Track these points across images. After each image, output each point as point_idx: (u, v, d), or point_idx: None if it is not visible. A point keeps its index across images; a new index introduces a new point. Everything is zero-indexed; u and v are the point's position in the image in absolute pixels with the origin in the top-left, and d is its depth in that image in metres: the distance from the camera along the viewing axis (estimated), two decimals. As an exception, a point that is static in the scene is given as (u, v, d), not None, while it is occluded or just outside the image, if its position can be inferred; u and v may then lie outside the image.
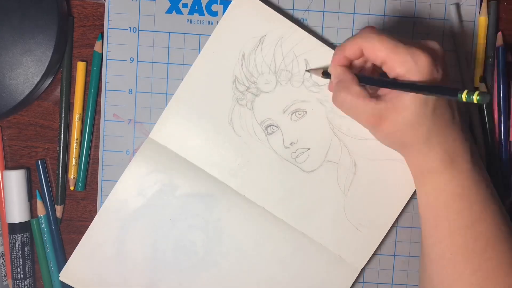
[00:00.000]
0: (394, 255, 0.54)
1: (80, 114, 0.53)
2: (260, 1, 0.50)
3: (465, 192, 0.44)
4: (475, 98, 0.36)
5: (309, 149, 0.51)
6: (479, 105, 0.52)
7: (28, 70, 0.50)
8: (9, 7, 0.49)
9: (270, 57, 0.51)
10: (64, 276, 0.52)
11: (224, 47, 0.51)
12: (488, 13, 0.52)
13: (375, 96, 0.43)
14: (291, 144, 0.51)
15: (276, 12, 0.50)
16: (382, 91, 0.44)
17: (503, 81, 0.52)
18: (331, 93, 0.47)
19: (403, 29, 0.52)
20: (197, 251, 0.52)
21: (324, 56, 0.50)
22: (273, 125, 0.51)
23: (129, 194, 0.52)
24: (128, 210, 0.52)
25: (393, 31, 0.52)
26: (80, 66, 0.52)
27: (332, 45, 0.52)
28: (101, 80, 0.53)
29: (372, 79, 0.44)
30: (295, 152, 0.51)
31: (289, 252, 0.52)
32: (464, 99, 0.36)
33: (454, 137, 0.43)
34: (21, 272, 0.53)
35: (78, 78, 0.53)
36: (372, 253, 0.52)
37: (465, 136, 0.44)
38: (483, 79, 0.52)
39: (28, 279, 0.53)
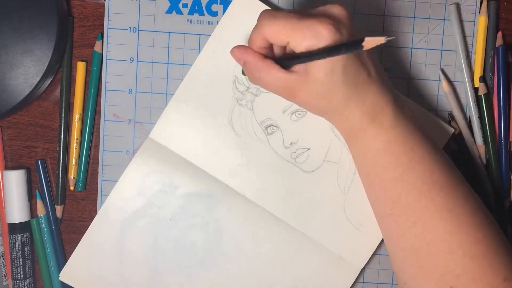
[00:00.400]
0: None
1: (80, 114, 0.53)
2: (260, 1, 0.50)
3: (390, 146, 0.44)
4: (381, 38, 0.35)
5: (309, 149, 0.51)
6: (479, 104, 0.52)
7: (28, 70, 0.50)
8: (9, 7, 0.49)
9: None
10: (64, 276, 0.52)
11: (224, 47, 0.50)
12: (488, 13, 0.52)
13: (286, 69, 0.43)
14: (291, 144, 0.51)
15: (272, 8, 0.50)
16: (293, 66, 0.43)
17: (503, 81, 0.51)
18: None
19: (403, 29, 0.52)
20: (197, 251, 0.52)
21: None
22: (273, 125, 0.51)
23: (129, 194, 0.52)
24: (128, 210, 0.52)
25: (393, 31, 0.52)
26: (80, 66, 0.52)
27: None
28: (101, 80, 0.52)
29: (279, 59, 0.43)
30: (295, 152, 0.51)
31: (289, 252, 0.52)
32: (367, 46, 0.36)
33: (373, 95, 0.43)
34: (21, 272, 0.53)
35: (78, 78, 0.52)
36: (372, 252, 0.52)
37: (385, 90, 0.44)
38: (482, 79, 0.52)
39: (28, 279, 0.53)
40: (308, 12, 0.42)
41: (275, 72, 0.43)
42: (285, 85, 0.43)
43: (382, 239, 0.52)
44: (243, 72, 0.49)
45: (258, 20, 0.42)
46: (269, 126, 0.51)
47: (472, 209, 0.43)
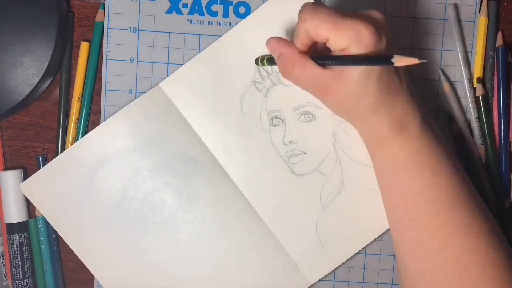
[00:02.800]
0: (394, 255, 0.53)
1: (80, 94, 0.52)
2: None
3: (415, 158, 0.43)
4: (413, 59, 0.35)
5: (305, 153, 0.51)
6: (477, 104, 0.52)
7: (28, 70, 0.50)
8: (9, 7, 0.49)
9: None
10: (25, 187, 0.51)
11: (262, 26, 0.50)
12: (488, 13, 0.52)
13: (321, 65, 0.42)
14: (290, 142, 0.51)
15: None
16: None
17: (503, 82, 0.51)
18: None
19: (403, 29, 0.52)
20: (163, 211, 0.52)
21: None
22: (280, 118, 0.51)
23: (119, 131, 0.51)
24: (112, 146, 0.51)
25: (393, 31, 0.52)
26: (84, 46, 0.52)
27: None
28: (101, 80, 0.52)
29: (320, 58, 0.43)
30: (291, 151, 0.51)
31: (250, 244, 0.52)
32: (398, 65, 0.36)
33: (402, 104, 0.43)
34: (20, 272, 0.53)
35: (80, 58, 0.52)
36: (328, 272, 0.52)
37: (413, 101, 0.44)
38: (480, 80, 0.52)
39: (27, 279, 0.53)
40: (348, 13, 0.41)
41: (309, 67, 0.42)
42: (318, 81, 0.42)
43: (341, 264, 0.52)
44: (261, 61, 0.49)
45: (300, 12, 0.42)
46: (276, 118, 0.51)
47: (489, 229, 0.43)
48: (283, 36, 0.50)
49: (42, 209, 0.51)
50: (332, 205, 0.51)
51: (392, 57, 0.36)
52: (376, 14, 0.42)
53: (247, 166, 0.51)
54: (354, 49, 0.40)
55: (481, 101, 0.52)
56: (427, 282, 0.44)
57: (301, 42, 0.43)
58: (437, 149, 0.44)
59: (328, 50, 0.43)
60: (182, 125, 0.51)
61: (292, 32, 0.50)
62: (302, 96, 0.50)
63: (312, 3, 0.43)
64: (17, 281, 0.53)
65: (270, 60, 0.47)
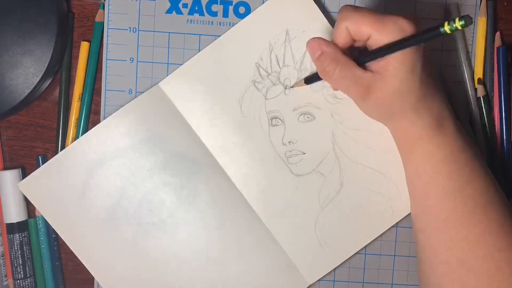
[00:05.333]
0: (394, 255, 0.54)
1: (80, 94, 0.52)
2: None
3: (454, 156, 0.44)
4: (458, 25, 0.35)
5: (304, 153, 0.51)
6: (479, 105, 0.52)
7: (28, 70, 0.50)
8: (9, 7, 0.49)
9: (300, 54, 0.51)
10: (24, 186, 0.51)
11: (262, 25, 0.50)
12: (487, 13, 0.52)
13: (360, 67, 0.43)
14: (289, 142, 0.51)
15: (321, 12, 0.50)
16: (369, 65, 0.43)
17: (504, 82, 0.51)
18: (344, 108, 0.49)
19: (403, 29, 0.52)
20: (162, 210, 0.52)
21: None
22: (279, 118, 0.51)
23: (118, 131, 0.51)
24: (111, 146, 0.51)
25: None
26: (84, 46, 0.52)
27: None
28: (101, 80, 0.52)
29: (363, 56, 0.43)
30: (290, 152, 0.51)
31: (249, 244, 0.52)
32: (448, 31, 0.36)
33: (439, 103, 0.44)
34: (21, 272, 0.53)
35: (80, 57, 0.52)
36: (326, 272, 0.52)
37: (446, 99, 0.45)
38: (480, 81, 0.52)
39: (29, 279, 0.53)
40: (387, 14, 0.42)
41: (351, 68, 0.42)
42: (361, 82, 0.42)
43: (340, 264, 0.52)
44: (305, 80, 0.49)
45: (341, 12, 0.42)
46: (275, 118, 0.51)
47: None
48: (284, 36, 0.50)
49: (40, 207, 0.51)
50: (331, 206, 0.51)
51: (440, 25, 0.36)
52: (411, 15, 0.42)
53: (246, 166, 0.51)
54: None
55: (482, 102, 0.52)
56: (456, 282, 0.44)
57: (341, 42, 0.43)
58: (470, 147, 0.45)
59: (365, 51, 0.43)
60: (181, 124, 0.51)
61: (291, 33, 0.50)
62: (301, 96, 0.51)
63: (351, 4, 0.43)
64: (18, 281, 0.53)
65: (309, 79, 0.48)
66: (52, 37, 0.49)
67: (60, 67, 0.52)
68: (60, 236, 0.52)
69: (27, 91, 0.50)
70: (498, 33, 0.52)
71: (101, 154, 0.51)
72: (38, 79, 0.50)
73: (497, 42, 0.52)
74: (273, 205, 0.51)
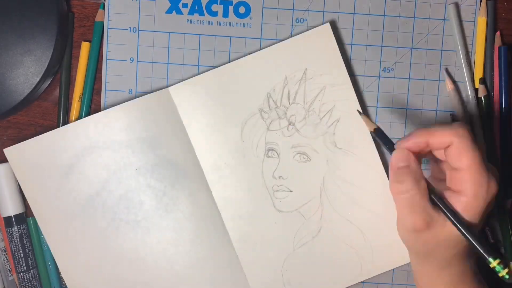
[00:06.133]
0: (394, 255, 0.54)
1: (80, 95, 0.52)
2: (335, 41, 0.50)
3: None
4: (503, 272, 0.39)
5: (291, 191, 0.51)
6: (479, 105, 0.52)
7: (28, 70, 0.50)
8: (9, 7, 0.49)
9: (312, 96, 0.51)
10: (10, 152, 0.50)
11: (284, 58, 0.51)
12: (487, 13, 0.52)
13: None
14: (279, 177, 0.51)
15: (342, 60, 0.50)
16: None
17: (505, 82, 0.51)
18: (342, 158, 0.49)
19: (403, 29, 0.52)
20: (139, 212, 0.51)
21: (356, 124, 0.50)
22: (276, 151, 0.51)
23: (117, 124, 0.51)
24: (105, 136, 0.51)
25: (393, 31, 0.52)
26: (84, 46, 0.52)
27: (368, 115, 0.52)
28: (101, 80, 0.52)
29: (441, 201, 0.42)
30: (278, 186, 0.51)
31: (215, 265, 0.52)
32: (492, 266, 0.39)
33: (465, 275, 0.45)
34: (24, 264, 0.53)
35: (81, 58, 0.52)
36: None
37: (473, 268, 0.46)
38: (482, 81, 0.52)
39: (32, 270, 0.53)
40: (485, 162, 0.42)
41: (426, 200, 0.42)
42: (424, 216, 0.42)
43: None
44: (375, 130, 0.46)
45: (456, 126, 0.42)
46: (272, 150, 0.51)
47: None
48: (301, 74, 0.51)
49: (20, 178, 0.51)
50: (303, 249, 0.52)
51: (493, 257, 0.39)
52: (465, 128, 0.42)
53: (231, 189, 0.51)
54: (474, 197, 0.40)
55: (483, 102, 0.52)
56: None
57: (431, 141, 0.42)
58: None
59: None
60: (180, 132, 0.51)
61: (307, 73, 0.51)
62: (303, 136, 0.51)
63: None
64: (21, 273, 0.53)
65: (380, 133, 0.46)
66: (52, 37, 0.49)
67: (60, 67, 0.52)
68: (32, 210, 0.51)
69: (27, 91, 0.50)
70: (498, 33, 0.52)
71: (94, 142, 0.51)
72: (38, 79, 0.50)
73: (497, 42, 0.52)
74: (248, 233, 0.51)
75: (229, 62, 0.52)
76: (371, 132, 0.46)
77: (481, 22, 0.52)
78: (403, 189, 0.42)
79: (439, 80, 0.52)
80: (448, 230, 0.42)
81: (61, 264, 0.52)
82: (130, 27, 0.52)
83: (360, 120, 0.49)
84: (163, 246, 0.51)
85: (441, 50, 0.52)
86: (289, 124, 0.51)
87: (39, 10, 0.49)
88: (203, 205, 0.51)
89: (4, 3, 0.49)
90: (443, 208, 0.42)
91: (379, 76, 0.52)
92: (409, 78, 0.52)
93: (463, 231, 0.41)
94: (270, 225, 0.51)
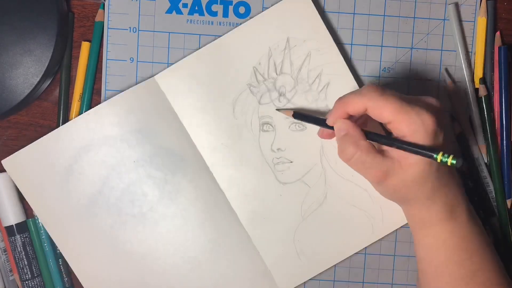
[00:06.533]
0: (394, 255, 0.54)
1: (80, 94, 0.52)
2: (313, 6, 0.50)
3: (465, 243, 0.45)
4: (449, 161, 0.39)
5: (291, 162, 0.51)
6: (479, 105, 0.52)
7: (28, 70, 0.50)
8: (9, 7, 0.49)
9: (298, 63, 0.51)
10: (8, 163, 0.51)
11: (264, 30, 0.50)
12: (487, 13, 0.52)
13: (380, 151, 0.43)
14: (278, 149, 0.51)
15: (323, 24, 0.50)
16: (385, 146, 0.44)
17: (505, 82, 0.51)
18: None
19: (403, 29, 0.52)
20: (143, 203, 0.51)
21: (346, 85, 0.51)
22: (270, 125, 0.51)
23: (109, 119, 0.51)
24: (100, 133, 0.51)
25: (393, 31, 0.52)
26: (84, 46, 0.52)
27: (357, 75, 0.52)
28: (101, 80, 0.52)
29: (378, 136, 0.44)
30: (278, 159, 0.51)
31: (227, 246, 0.52)
32: (439, 160, 0.40)
33: (454, 191, 0.44)
34: (28, 273, 0.53)
35: (81, 58, 0.52)
36: (301, 282, 0.52)
37: (461, 187, 0.45)
38: (482, 81, 0.52)
39: (37, 278, 0.53)
40: (410, 97, 0.43)
41: (371, 154, 0.43)
42: (379, 168, 0.43)
43: (314, 276, 0.52)
44: (294, 115, 0.49)
45: (365, 91, 0.43)
46: (267, 123, 0.51)
47: None
48: (284, 43, 0.50)
49: (22, 187, 0.51)
50: (312, 217, 0.51)
51: (437, 153, 0.40)
52: (432, 101, 0.43)
53: (232, 168, 0.51)
54: (417, 135, 0.41)
55: (483, 101, 0.52)
56: None
57: (353, 113, 0.43)
58: (482, 234, 0.46)
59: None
60: (172, 120, 0.51)
61: (288, 44, 0.50)
62: (295, 105, 0.51)
63: (376, 85, 0.43)
64: (26, 282, 0.53)
65: (298, 115, 0.48)
66: (52, 37, 0.49)
67: (60, 67, 0.52)
68: (38, 217, 0.51)
69: (27, 91, 0.50)
70: (498, 33, 0.52)
71: (88, 140, 0.51)
72: (38, 79, 0.50)
73: (497, 42, 0.52)
74: (254, 209, 0.51)
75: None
76: (293, 117, 0.48)
77: (481, 22, 0.52)
78: (349, 155, 0.43)
79: (439, 80, 0.52)
80: (406, 168, 0.42)
81: (75, 267, 0.52)
82: (130, 27, 0.52)
83: (350, 81, 0.50)
84: (173, 234, 0.51)
85: (441, 50, 0.52)
86: (280, 95, 0.51)
87: (39, 10, 0.49)
88: (207, 189, 0.51)
89: (4, 3, 0.49)
90: (377, 138, 0.43)
91: (379, 76, 0.52)
92: (409, 78, 0.52)
93: (399, 144, 0.42)
94: (276, 198, 0.51)
